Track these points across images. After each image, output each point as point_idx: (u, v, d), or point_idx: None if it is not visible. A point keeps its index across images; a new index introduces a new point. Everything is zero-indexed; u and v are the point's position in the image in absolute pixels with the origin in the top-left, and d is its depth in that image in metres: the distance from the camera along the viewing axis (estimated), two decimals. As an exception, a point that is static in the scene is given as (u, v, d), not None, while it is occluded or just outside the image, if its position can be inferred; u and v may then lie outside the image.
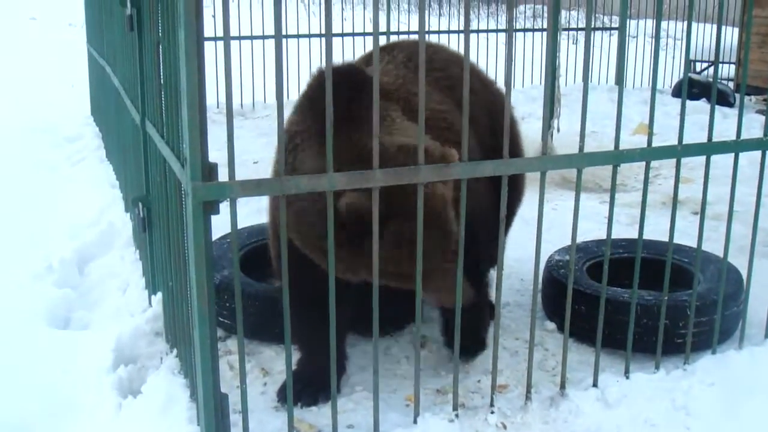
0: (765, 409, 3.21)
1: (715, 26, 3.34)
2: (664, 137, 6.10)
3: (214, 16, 7.89)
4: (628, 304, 3.48)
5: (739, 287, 3.96)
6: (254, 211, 5.18)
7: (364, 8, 11.00)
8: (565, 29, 11.39)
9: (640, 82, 12.60)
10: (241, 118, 10.09)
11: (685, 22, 3.31)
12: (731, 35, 12.00)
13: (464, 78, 2.82)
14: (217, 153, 2.59)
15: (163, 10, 3.01)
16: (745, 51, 3.55)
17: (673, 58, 13.01)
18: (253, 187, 2.61)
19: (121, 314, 4.24)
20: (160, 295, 3.93)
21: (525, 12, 18.09)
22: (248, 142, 8.46)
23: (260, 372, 3.71)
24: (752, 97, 11.42)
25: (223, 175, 2.56)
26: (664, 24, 14.72)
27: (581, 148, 3.11)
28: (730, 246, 3.61)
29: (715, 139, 3.40)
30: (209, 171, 2.53)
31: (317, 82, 3.11)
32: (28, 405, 3.37)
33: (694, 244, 3.61)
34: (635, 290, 3.39)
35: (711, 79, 4.44)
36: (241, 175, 2.60)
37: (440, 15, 15.56)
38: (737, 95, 10.66)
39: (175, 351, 3.49)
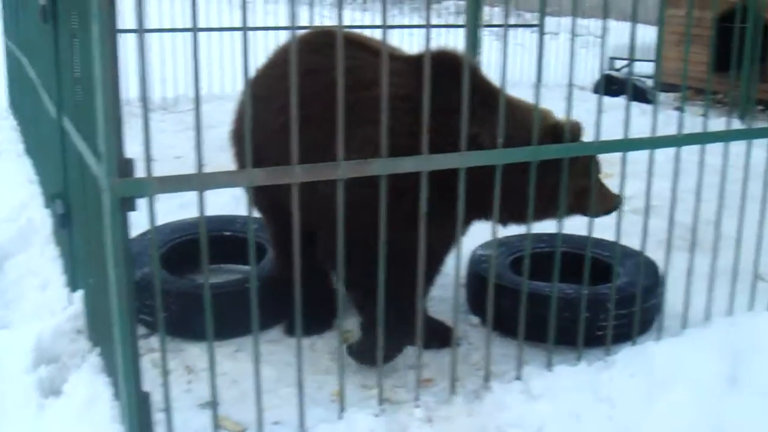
0: (683, 398, 3.28)
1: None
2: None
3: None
4: (549, 297, 3.52)
5: (657, 280, 4.05)
6: (176, 207, 5.10)
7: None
8: (486, 26, 11.46)
9: (561, 79, 12.76)
10: (163, 112, 9.94)
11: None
12: (651, 34, 12.25)
13: (383, 73, 2.84)
14: (138, 148, 2.55)
15: (77, 1, 2.94)
16: (658, 49, 3.63)
17: (594, 55, 13.23)
18: (172, 184, 2.58)
19: (42, 312, 4.14)
20: (81, 292, 3.86)
21: (450, 8, 18.20)
22: (171, 137, 8.35)
23: (184, 370, 3.67)
24: (670, 94, 11.66)
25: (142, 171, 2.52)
26: (585, 22, 14.95)
27: (499, 144, 3.14)
28: (648, 240, 3.69)
29: (632, 136, 3.47)
30: (126, 166, 2.48)
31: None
32: (-56, 407, 3.28)
33: (614, 238, 3.67)
34: (555, 284, 3.44)
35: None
36: (162, 170, 2.56)
37: (364, 10, 15.59)
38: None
39: (97, 349, 3.42)
